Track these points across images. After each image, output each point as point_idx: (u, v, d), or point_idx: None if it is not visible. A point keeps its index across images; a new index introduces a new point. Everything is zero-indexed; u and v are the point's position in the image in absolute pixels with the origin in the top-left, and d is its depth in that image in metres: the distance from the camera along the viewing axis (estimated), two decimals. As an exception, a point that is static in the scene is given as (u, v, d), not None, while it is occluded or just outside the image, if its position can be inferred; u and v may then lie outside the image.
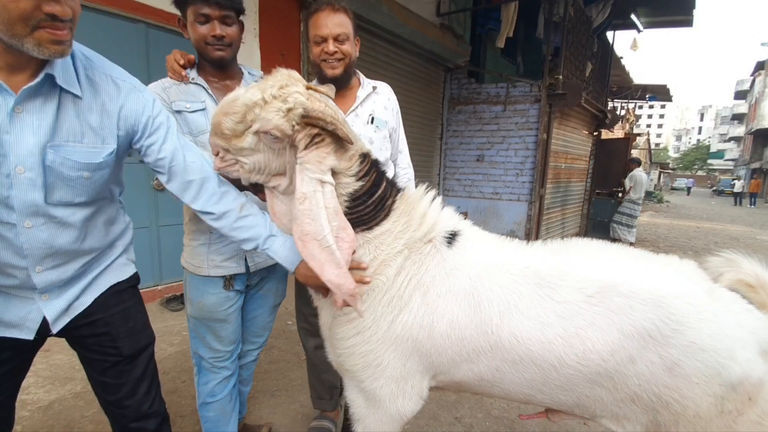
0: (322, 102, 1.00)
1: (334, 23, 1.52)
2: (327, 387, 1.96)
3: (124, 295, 1.20)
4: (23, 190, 0.91)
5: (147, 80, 3.93)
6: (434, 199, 1.20)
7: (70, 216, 1.00)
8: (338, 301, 1.02)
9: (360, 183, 1.08)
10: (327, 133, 0.99)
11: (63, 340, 1.16)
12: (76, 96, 0.94)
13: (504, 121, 6.63)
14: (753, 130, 35.06)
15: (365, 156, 1.10)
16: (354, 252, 1.04)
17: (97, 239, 1.11)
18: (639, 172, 7.67)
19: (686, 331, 0.95)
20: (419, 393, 1.15)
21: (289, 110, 0.94)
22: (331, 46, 1.52)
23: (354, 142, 1.05)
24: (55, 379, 2.36)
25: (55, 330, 1.08)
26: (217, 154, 1.05)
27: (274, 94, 0.95)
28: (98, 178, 1.01)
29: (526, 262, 1.10)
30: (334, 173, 1.04)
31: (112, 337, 1.15)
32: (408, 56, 6.06)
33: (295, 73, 1.02)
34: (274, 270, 1.64)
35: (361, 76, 1.75)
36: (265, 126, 0.96)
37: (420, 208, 1.16)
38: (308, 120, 0.95)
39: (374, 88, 1.75)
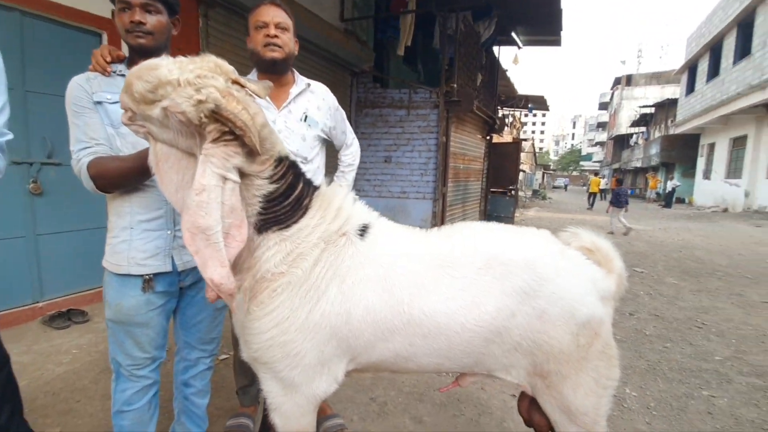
0: (241, 103, 0.98)
1: (275, 13, 1.63)
2: (248, 382, 1.97)
3: None
4: None
5: (22, 73, 3.51)
6: (347, 194, 1.27)
7: None
8: (211, 296, 1.02)
9: (274, 186, 1.10)
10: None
11: None
12: None
13: (408, 125, 7.04)
14: (613, 136, 41.47)
15: (281, 159, 1.12)
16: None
17: None
18: None
19: (548, 285, 1.17)
20: (335, 376, 1.22)
21: (200, 102, 0.93)
22: (272, 30, 1.61)
23: (261, 153, 1.04)
24: None
25: None
26: (126, 111, 1.03)
27: (189, 80, 0.94)
28: None
29: (428, 247, 1.24)
30: (246, 174, 1.05)
31: None
32: (313, 59, 6.12)
33: (224, 65, 1.01)
34: None
35: (296, 74, 1.80)
36: (172, 107, 0.94)
37: (335, 203, 1.22)
38: (218, 117, 0.95)
39: (308, 85, 1.80)
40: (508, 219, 9.74)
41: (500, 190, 11.57)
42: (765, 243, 8.90)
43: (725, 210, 16.19)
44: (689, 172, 22.37)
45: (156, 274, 1.42)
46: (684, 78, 21.93)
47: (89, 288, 3.60)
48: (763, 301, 4.61)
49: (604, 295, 1.25)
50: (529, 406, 1.38)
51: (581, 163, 71.45)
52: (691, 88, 20.65)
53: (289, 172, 1.14)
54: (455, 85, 6.67)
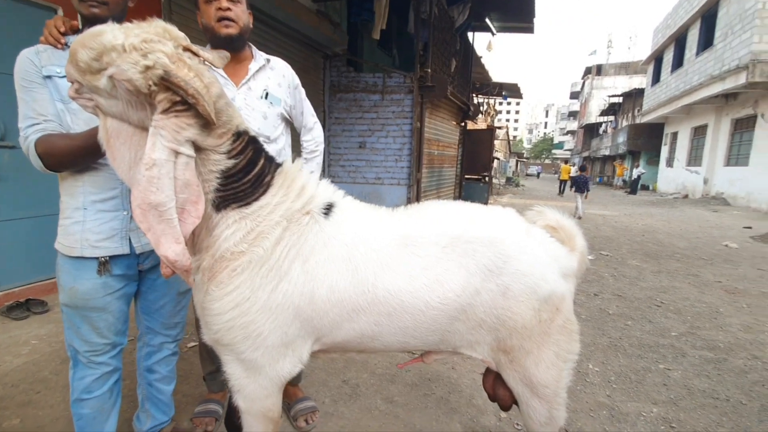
0: (193, 70, 0.92)
1: None
2: (216, 368, 1.94)
3: None
4: None
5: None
6: (312, 172, 1.26)
7: None
8: (166, 272, 0.99)
9: (233, 161, 1.05)
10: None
11: None
12: None
13: (382, 110, 6.98)
14: (584, 124, 42.51)
15: (240, 134, 1.07)
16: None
17: None
18: None
19: (513, 262, 1.18)
20: (299, 357, 1.20)
21: (148, 68, 0.87)
22: (224, 2, 1.51)
23: (217, 125, 0.99)
24: None
25: None
26: (72, 83, 0.97)
27: (135, 44, 0.88)
28: None
29: (393, 227, 1.23)
30: (202, 149, 1.00)
31: None
32: (285, 40, 5.95)
33: (173, 30, 0.95)
34: None
35: (254, 49, 1.72)
36: (118, 75, 0.89)
37: (299, 181, 1.19)
38: (168, 84, 0.89)
39: (268, 60, 1.73)
40: (482, 205, 9.89)
41: (474, 176, 11.71)
42: (720, 227, 9.39)
43: (686, 196, 16.96)
44: (654, 159, 23.23)
45: (113, 257, 1.36)
46: (650, 68, 22.60)
47: (48, 277, 3.44)
48: (716, 281, 4.88)
49: (566, 272, 1.28)
50: (493, 381, 1.41)
51: (553, 151, 73.19)
52: (656, 79, 21.32)
53: (248, 147, 1.10)
54: (429, 70, 6.65)
